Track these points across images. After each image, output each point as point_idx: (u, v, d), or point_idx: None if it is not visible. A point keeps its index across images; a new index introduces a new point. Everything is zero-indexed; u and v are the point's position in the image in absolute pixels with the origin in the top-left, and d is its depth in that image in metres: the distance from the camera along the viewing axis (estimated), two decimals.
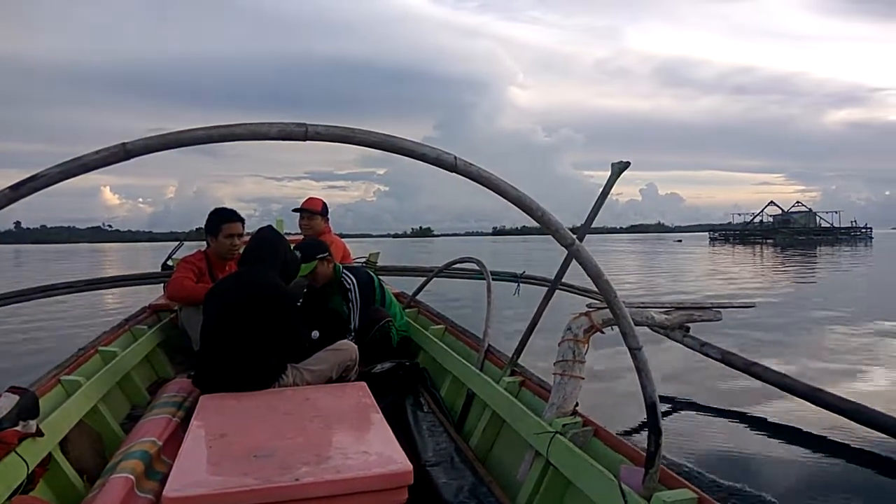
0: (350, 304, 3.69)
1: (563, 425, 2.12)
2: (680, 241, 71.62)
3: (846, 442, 3.57)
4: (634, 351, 1.50)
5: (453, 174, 1.44)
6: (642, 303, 3.52)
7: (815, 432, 3.74)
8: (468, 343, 3.56)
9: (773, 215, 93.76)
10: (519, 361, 2.88)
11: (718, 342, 4.18)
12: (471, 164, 1.43)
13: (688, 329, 4.76)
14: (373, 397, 2.55)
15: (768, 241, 71.18)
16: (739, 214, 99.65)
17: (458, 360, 3.26)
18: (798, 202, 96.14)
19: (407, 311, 4.38)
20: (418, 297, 4.71)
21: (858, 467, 3.34)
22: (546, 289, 2.97)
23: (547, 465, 2.11)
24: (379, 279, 4.06)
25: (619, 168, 2.73)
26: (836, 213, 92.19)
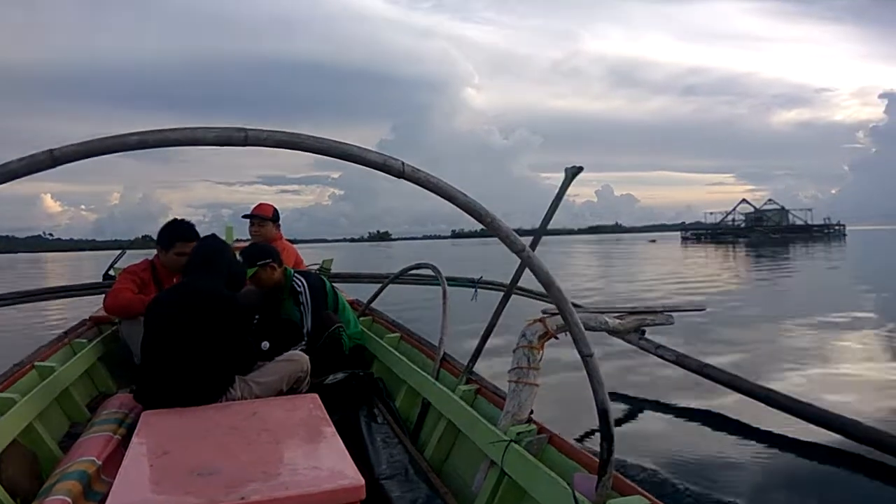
0: (302, 308, 3.63)
1: (518, 433, 2.10)
2: (654, 241, 70.99)
3: (796, 440, 3.65)
4: (586, 357, 1.50)
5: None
6: (597, 308, 3.54)
7: (765, 431, 3.83)
8: (424, 351, 3.52)
9: (746, 213, 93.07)
10: (476, 369, 2.87)
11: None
12: (418, 169, 1.39)
13: (643, 332, 4.83)
14: (324, 409, 2.48)
15: (741, 239, 70.41)
16: (711, 213, 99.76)
17: (413, 370, 3.22)
18: (770, 199, 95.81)
19: (362, 319, 4.32)
20: (374, 305, 4.65)
21: (807, 464, 3.43)
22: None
23: (502, 474, 2.09)
24: (331, 284, 4.00)
25: (572, 173, 2.75)
26: (808, 210, 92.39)
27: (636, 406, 4.85)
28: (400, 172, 1.37)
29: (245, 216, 4.40)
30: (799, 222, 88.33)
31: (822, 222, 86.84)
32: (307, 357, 3.08)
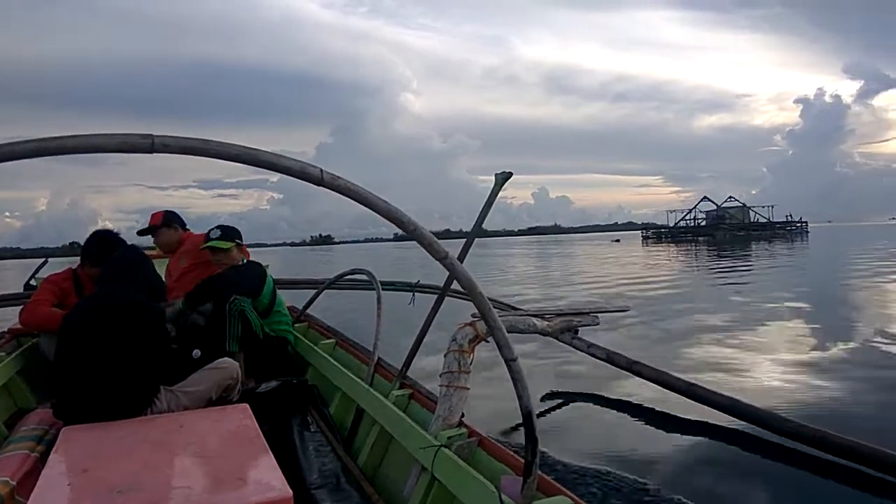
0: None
1: (449, 438, 2.11)
2: (618, 240, 69.21)
3: (716, 431, 3.80)
4: (510, 362, 1.51)
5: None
6: (526, 311, 3.61)
7: (688, 424, 3.96)
8: (359, 357, 3.50)
9: (707, 211, 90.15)
10: (410, 374, 2.87)
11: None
12: (338, 177, 1.38)
13: (576, 332, 4.95)
14: (255, 419, 2.43)
15: (700, 238, 68.78)
16: (672, 211, 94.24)
17: (347, 376, 3.19)
18: (731, 196, 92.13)
19: (297, 325, 4.26)
20: (310, 311, 4.59)
21: (726, 454, 3.56)
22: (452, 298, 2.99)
23: (432, 479, 2.09)
24: (273, 281, 3.98)
25: (503, 178, 2.79)
26: (769, 207, 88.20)
27: (569, 404, 4.96)
28: (319, 180, 1.35)
29: (140, 233, 4.27)
30: (761, 220, 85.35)
31: (783, 219, 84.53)
32: (237, 364, 3.02)
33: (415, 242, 1.46)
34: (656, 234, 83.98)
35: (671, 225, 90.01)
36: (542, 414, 4.42)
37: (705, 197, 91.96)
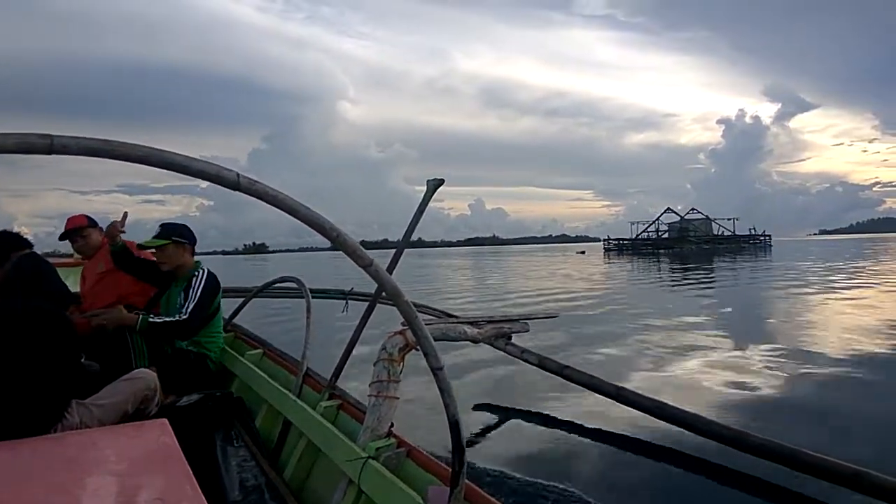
0: (189, 292, 3.44)
1: (377, 449, 2.07)
2: (583, 252, 67.51)
3: (643, 433, 3.90)
4: (436, 371, 1.49)
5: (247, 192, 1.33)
6: (457, 318, 3.61)
7: (615, 427, 4.06)
8: (287, 367, 3.40)
9: (670, 223, 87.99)
10: (340, 384, 2.81)
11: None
12: (255, 181, 1.32)
13: (510, 338, 5.00)
14: (174, 435, 2.31)
15: (661, 250, 66.63)
16: (631, 223, 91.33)
17: (274, 387, 3.09)
18: (693, 209, 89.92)
19: (223, 335, 4.10)
20: (236, 321, 4.43)
21: (650, 455, 3.66)
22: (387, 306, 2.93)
23: (359, 492, 2.05)
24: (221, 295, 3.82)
25: (434, 185, 2.78)
26: (734, 219, 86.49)
27: (500, 410, 5.00)
28: (235, 184, 1.29)
29: (62, 237, 4.04)
30: (725, 232, 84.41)
31: (746, 233, 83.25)
32: (154, 374, 2.87)
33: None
34: (618, 246, 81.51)
35: (634, 236, 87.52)
36: (474, 422, 4.43)
37: (668, 209, 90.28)
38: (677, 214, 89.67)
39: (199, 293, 3.45)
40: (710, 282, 19.47)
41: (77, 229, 3.98)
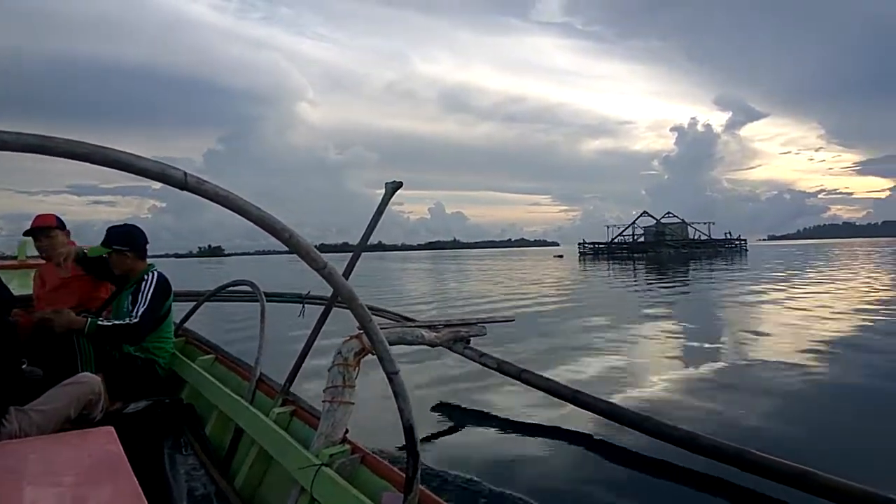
0: (139, 296, 3.33)
1: (331, 455, 2.03)
2: (561, 256, 66.25)
3: (599, 435, 3.94)
4: (391, 375, 1.47)
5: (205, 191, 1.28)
6: (415, 322, 3.59)
7: (573, 429, 4.08)
8: (240, 373, 3.32)
9: (645, 227, 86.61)
10: (295, 389, 2.75)
11: None
12: (204, 180, 1.28)
13: (468, 342, 4.99)
14: (120, 443, 2.22)
15: (637, 255, 65.41)
16: (608, 227, 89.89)
17: (225, 393, 3.01)
18: (669, 212, 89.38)
19: (174, 340, 3.98)
20: (188, 325, 4.31)
21: (606, 455, 3.70)
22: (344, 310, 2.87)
23: (312, 500, 2.00)
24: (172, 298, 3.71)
25: (392, 188, 2.76)
26: (710, 223, 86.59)
27: (458, 411, 5.00)
28: (182, 184, 1.24)
29: (27, 233, 3.88)
30: (701, 236, 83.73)
31: (722, 237, 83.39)
32: (98, 378, 2.76)
33: (325, 255, 1.39)
34: (593, 250, 78.87)
35: (609, 240, 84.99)
36: (432, 422, 4.40)
37: (645, 212, 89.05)
38: (653, 218, 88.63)
39: (148, 296, 3.34)
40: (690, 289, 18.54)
41: (44, 228, 3.83)
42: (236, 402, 2.86)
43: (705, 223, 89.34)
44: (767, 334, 8.36)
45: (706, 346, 7.57)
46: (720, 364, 6.36)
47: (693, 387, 5.39)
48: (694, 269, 29.58)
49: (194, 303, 4.34)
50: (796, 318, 9.95)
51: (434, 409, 4.94)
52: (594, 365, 6.51)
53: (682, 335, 8.59)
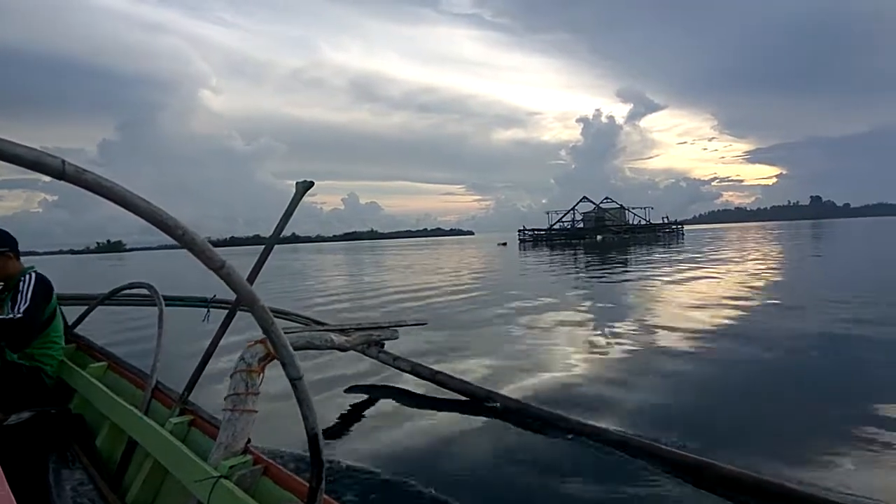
0: (19, 296, 3.03)
1: (230, 467, 1.92)
2: (504, 244, 63.93)
3: (514, 433, 3.96)
4: (295, 381, 1.40)
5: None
6: (325, 326, 3.49)
7: (487, 431, 4.08)
8: (135, 381, 3.11)
9: (585, 213, 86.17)
10: (195, 398, 2.60)
11: None
12: (84, 170, 1.16)
13: (383, 346, 4.94)
14: None
15: (575, 241, 64.69)
16: (547, 213, 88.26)
17: (118, 403, 2.80)
18: (607, 198, 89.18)
19: (64, 347, 3.69)
20: (79, 330, 3.99)
21: (525, 458, 3.71)
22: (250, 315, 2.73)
23: None
24: (56, 297, 3.42)
25: (304, 188, 2.68)
26: (648, 208, 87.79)
27: (372, 390, 4.95)
28: (59, 173, 1.12)
29: None
30: (641, 221, 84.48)
31: (660, 221, 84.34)
32: None
33: (221, 248, 1.29)
34: (533, 237, 76.51)
35: (549, 227, 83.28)
36: (343, 421, 4.31)
37: (584, 197, 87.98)
38: (593, 203, 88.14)
39: (28, 295, 3.06)
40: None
41: None
42: (129, 413, 2.66)
43: (643, 208, 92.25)
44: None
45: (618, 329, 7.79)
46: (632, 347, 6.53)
47: (593, 374, 5.53)
48: (644, 254, 30.43)
49: (87, 307, 4.03)
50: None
51: (346, 395, 4.93)
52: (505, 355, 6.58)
53: (595, 320, 8.80)
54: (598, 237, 71.23)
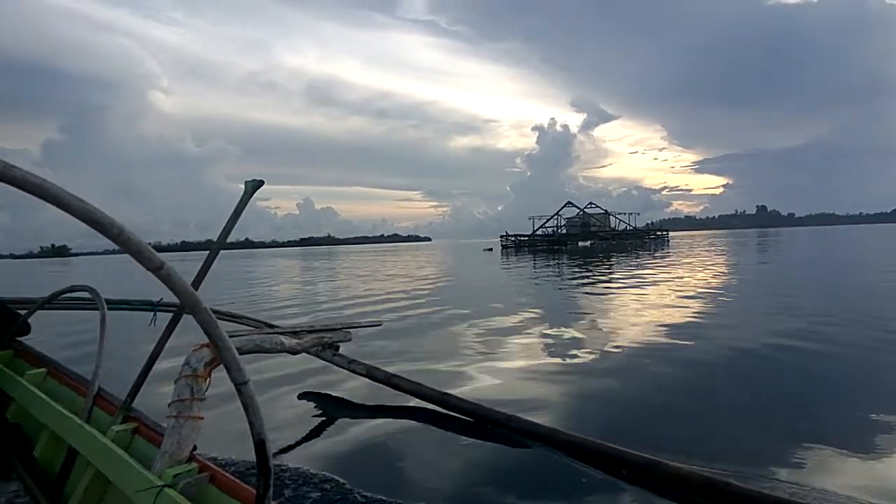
0: None
1: (175, 476, 1.86)
2: (490, 249, 63.07)
3: (468, 438, 3.95)
4: (240, 386, 1.37)
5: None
6: (276, 328, 3.42)
7: (444, 433, 4.06)
8: (76, 388, 2.99)
9: (569, 218, 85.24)
10: (139, 405, 2.51)
11: None
12: (13, 166, 1.10)
13: (337, 348, 4.87)
14: None
15: (558, 247, 64.21)
16: (531, 218, 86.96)
17: (57, 411, 2.68)
18: (591, 203, 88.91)
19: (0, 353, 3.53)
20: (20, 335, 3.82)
21: (478, 460, 3.71)
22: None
23: None
24: None
25: (253, 186, 2.65)
26: (635, 214, 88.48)
27: (325, 400, 4.93)
28: None
29: None
30: (627, 227, 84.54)
31: (644, 227, 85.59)
32: None
33: (168, 254, 1.22)
34: (515, 243, 74.93)
35: (532, 232, 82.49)
36: (297, 421, 4.23)
37: (569, 202, 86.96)
38: (577, 208, 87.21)
39: None
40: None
41: None
42: (69, 421, 2.56)
43: (628, 214, 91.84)
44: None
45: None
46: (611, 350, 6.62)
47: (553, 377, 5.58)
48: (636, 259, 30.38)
49: (25, 311, 3.85)
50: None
51: (298, 400, 4.94)
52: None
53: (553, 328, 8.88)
54: (588, 243, 71.68)
